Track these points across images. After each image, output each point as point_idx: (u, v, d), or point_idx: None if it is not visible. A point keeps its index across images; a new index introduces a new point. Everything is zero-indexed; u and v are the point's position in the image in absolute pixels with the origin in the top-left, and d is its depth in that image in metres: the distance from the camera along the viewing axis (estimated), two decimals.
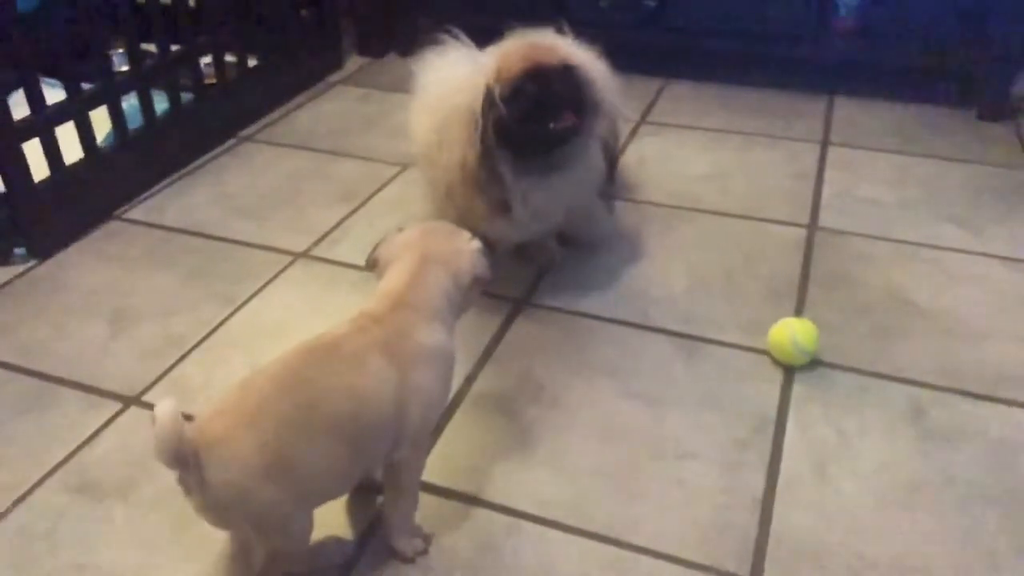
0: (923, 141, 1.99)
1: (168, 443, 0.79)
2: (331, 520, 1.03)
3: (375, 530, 1.03)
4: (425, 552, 1.00)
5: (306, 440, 0.85)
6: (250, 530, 0.88)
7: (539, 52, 1.29)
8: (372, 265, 1.03)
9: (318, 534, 0.96)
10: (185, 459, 0.80)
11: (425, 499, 1.07)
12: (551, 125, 1.26)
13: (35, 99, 1.52)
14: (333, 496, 0.96)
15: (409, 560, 0.99)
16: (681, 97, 2.24)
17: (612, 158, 1.40)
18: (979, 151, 1.94)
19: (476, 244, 1.03)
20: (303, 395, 0.87)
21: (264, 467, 0.82)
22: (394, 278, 0.98)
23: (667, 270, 1.52)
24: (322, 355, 0.91)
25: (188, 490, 0.83)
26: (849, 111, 2.14)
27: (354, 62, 2.49)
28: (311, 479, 0.87)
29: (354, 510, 1.05)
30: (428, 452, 1.02)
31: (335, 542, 0.99)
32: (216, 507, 0.84)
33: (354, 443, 0.89)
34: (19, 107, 1.50)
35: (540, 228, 1.43)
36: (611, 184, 1.59)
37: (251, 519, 0.85)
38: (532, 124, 1.26)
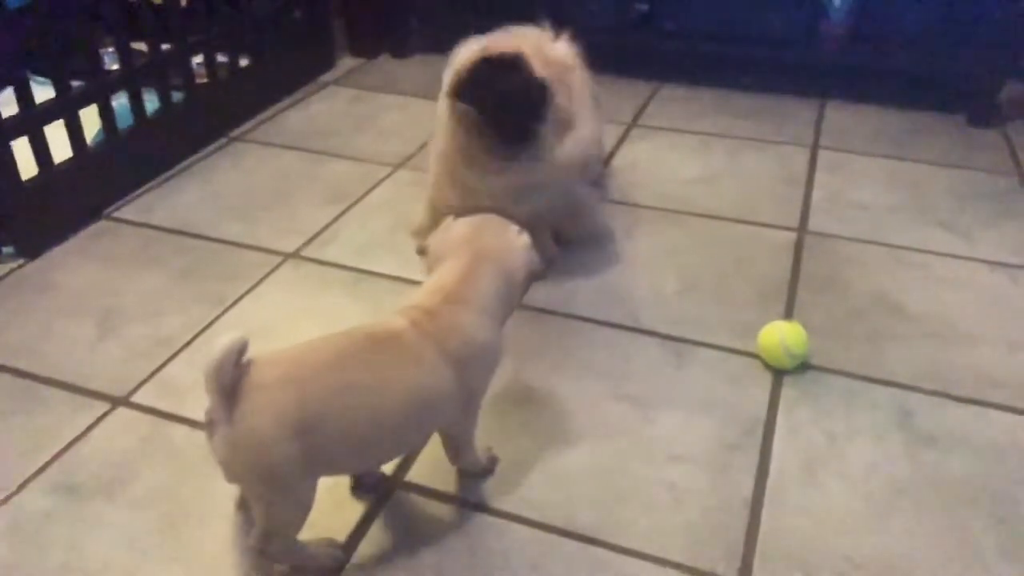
0: (912, 146, 2.00)
1: (222, 363, 0.80)
2: (324, 522, 1.02)
3: (366, 531, 1.03)
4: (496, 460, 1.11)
5: (349, 416, 0.87)
6: (254, 485, 0.88)
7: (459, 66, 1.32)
8: (422, 253, 1.06)
9: (311, 535, 0.96)
10: (227, 387, 0.81)
11: (416, 501, 1.07)
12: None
13: (24, 97, 1.51)
14: (345, 473, 1.01)
15: (490, 471, 1.09)
16: (673, 101, 2.25)
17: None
18: (968, 156, 1.95)
19: (526, 239, 1.03)
20: (360, 375, 0.88)
21: (294, 424, 0.83)
22: (446, 274, 0.98)
23: (658, 273, 1.52)
24: (385, 343, 0.92)
25: (213, 429, 0.84)
26: (839, 116, 2.16)
27: (346, 63, 2.48)
28: (336, 453, 0.88)
29: (348, 512, 1.05)
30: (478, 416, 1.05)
31: (327, 544, 0.99)
32: (234, 448, 0.84)
33: (392, 432, 0.92)
34: (8, 105, 1.49)
35: (522, 207, 1.40)
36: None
37: (260, 471, 0.85)
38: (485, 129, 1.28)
